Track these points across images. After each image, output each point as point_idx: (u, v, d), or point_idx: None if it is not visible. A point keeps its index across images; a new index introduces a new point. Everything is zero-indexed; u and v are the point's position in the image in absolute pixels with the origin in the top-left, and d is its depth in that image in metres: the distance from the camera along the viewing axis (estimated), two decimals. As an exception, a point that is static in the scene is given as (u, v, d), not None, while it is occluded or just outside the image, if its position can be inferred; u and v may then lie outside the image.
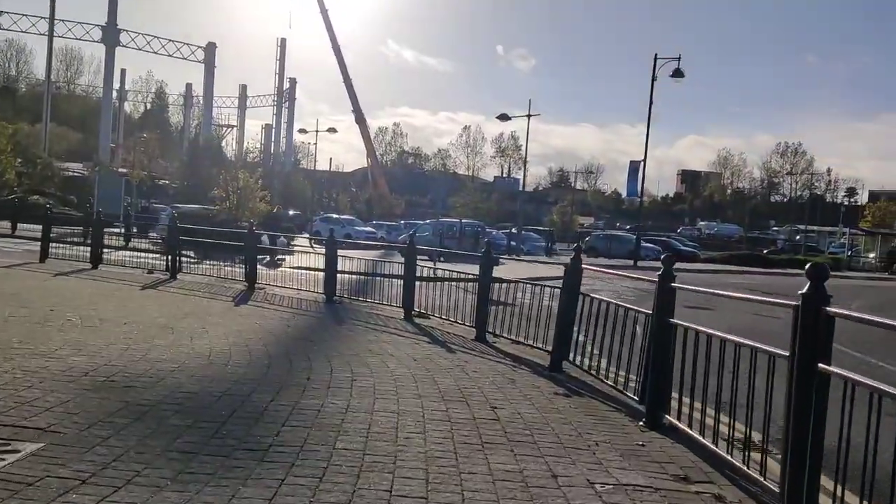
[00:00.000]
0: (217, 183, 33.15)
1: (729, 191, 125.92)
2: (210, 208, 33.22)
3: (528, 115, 35.32)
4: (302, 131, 45.50)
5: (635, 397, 5.97)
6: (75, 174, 63.42)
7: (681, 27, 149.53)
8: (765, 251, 55.76)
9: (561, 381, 7.11)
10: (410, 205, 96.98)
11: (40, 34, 68.29)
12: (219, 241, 17.54)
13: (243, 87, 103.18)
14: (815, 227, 75.39)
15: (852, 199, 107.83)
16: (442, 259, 21.04)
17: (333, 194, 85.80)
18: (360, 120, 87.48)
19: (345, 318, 11.00)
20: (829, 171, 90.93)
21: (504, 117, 35.44)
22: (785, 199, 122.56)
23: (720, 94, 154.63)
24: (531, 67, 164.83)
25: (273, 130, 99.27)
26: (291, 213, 55.49)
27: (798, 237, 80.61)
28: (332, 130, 50.54)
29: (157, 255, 18.03)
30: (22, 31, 66.48)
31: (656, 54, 35.68)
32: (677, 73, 35.16)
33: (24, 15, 67.03)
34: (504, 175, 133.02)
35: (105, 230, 18.55)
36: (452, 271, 13.26)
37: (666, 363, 5.43)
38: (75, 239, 21.10)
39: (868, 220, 58.06)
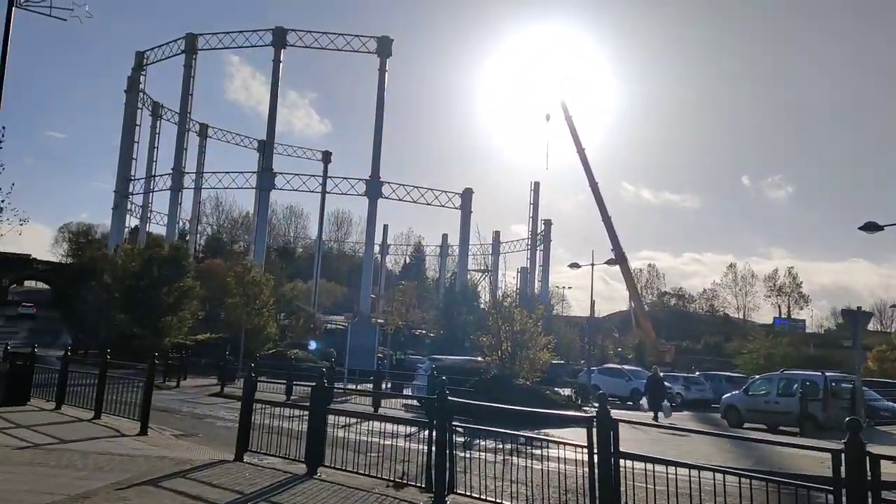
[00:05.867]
0: (481, 328, 26.47)
1: None
2: (476, 360, 26.27)
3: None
4: (574, 266, 38.11)
5: None
6: (337, 326, 62.19)
7: None
8: None
9: None
10: (680, 351, 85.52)
11: (310, 191, 70.96)
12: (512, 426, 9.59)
13: (497, 234, 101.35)
14: None
15: None
16: None
17: (598, 340, 76.75)
18: (621, 258, 79.65)
19: None
20: None
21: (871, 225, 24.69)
22: None
23: None
24: (788, 196, 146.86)
25: (528, 275, 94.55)
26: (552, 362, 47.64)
27: None
28: (611, 263, 42.59)
29: (413, 434, 10.54)
30: (293, 190, 69.38)
31: None
32: None
33: (295, 174, 70.29)
34: (782, 315, 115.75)
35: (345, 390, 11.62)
36: None
37: None
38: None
39: None
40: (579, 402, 22.06)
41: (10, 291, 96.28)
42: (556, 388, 22.55)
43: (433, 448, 8.50)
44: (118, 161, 74.18)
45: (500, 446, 9.17)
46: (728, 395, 28.32)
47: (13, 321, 69.70)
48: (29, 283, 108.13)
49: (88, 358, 31.96)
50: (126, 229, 74.49)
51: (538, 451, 8.90)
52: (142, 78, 74.77)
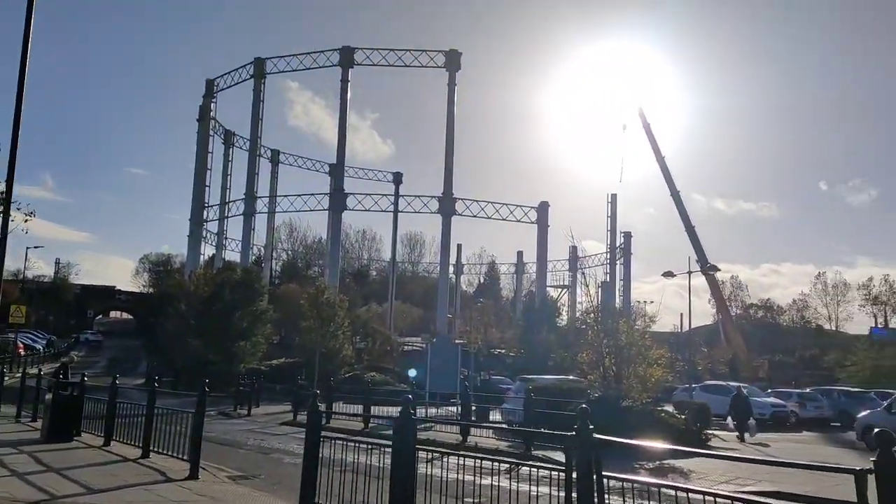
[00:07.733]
0: (563, 346, 23.72)
1: None
2: (571, 378, 23.44)
3: None
4: (668, 274, 34.87)
5: None
6: (415, 348, 60.27)
7: None
8: None
9: None
10: (773, 365, 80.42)
11: (382, 211, 69.64)
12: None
13: (573, 249, 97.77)
14: None
15: None
16: None
17: (688, 356, 72.18)
18: (712, 268, 74.89)
19: None
20: None
21: None
22: None
23: None
24: (871, 200, 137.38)
25: (609, 289, 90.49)
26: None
27: None
28: (707, 271, 39.02)
29: (513, 468, 7.88)
30: (365, 210, 68.20)
31: None
32: None
33: (367, 194, 69.10)
34: (878, 325, 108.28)
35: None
36: None
37: None
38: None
39: None
40: (698, 426, 18.88)
41: (96, 322, 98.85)
42: (666, 409, 19.54)
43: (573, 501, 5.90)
44: (192, 188, 74.77)
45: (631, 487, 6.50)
46: (864, 413, 24.73)
47: (95, 351, 71.25)
48: (114, 314, 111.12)
49: (162, 386, 30.64)
50: (202, 257, 74.78)
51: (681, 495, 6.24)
52: (212, 105, 75.36)
